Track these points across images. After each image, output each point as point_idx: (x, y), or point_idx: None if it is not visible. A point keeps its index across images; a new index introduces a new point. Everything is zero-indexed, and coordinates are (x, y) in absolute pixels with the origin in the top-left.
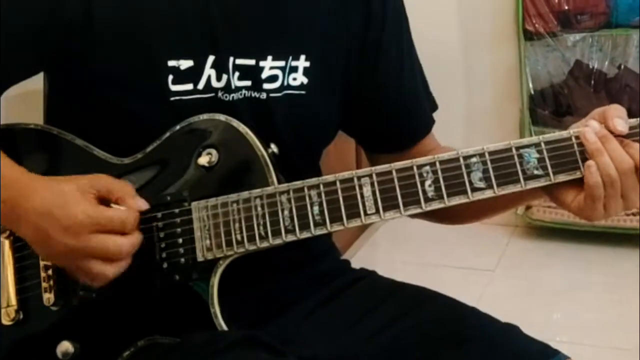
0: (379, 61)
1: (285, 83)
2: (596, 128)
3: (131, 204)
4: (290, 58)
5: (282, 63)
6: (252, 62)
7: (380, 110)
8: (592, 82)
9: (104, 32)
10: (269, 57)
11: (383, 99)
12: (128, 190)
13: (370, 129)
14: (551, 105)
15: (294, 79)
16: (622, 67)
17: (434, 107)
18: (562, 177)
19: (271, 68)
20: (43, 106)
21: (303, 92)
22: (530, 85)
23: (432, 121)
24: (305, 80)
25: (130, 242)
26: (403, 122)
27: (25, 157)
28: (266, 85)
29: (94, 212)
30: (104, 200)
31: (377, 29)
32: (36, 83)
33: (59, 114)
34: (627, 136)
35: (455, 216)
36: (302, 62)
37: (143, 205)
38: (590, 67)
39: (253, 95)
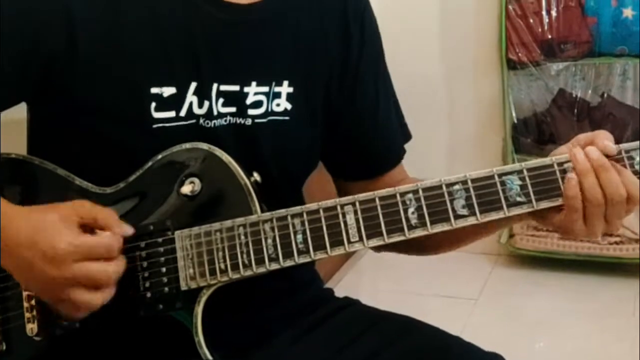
0: (357, 87)
1: (270, 109)
2: (594, 155)
3: (116, 230)
4: (274, 84)
5: (266, 89)
6: (236, 88)
7: (353, 137)
8: (576, 110)
9: (87, 60)
10: (253, 83)
11: (358, 126)
12: (112, 216)
13: (341, 154)
14: (534, 133)
15: (278, 104)
16: (605, 95)
17: (407, 137)
18: (544, 204)
19: (255, 94)
20: (27, 135)
21: (287, 117)
22: (514, 113)
23: (403, 152)
24: (288, 106)
25: (116, 268)
26: (375, 151)
27: (6, 187)
28: (251, 111)
29: (78, 241)
30: (87, 227)
31: (355, 54)
32: (19, 112)
33: (42, 143)
34: (615, 160)
35: (433, 245)
36: (285, 88)
37: (128, 230)
38: (574, 95)
39: (238, 121)
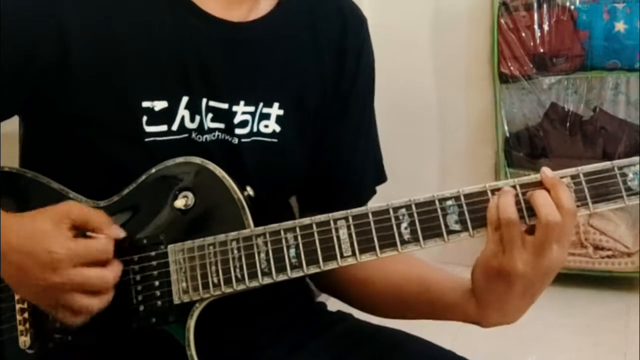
0: (342, 118)
1: (255, 129)
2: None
3: (108, 232)
4: (262, 105)
5: (252, 109)
6: (225, 105)
7: (327, 167)
8: (568, 124)
9: (79, 75)
10: (242, 102)
11: (335, 156)
12: (103, 218)
13: (311, 182)
14: (526, 147)
15: (266, 126)
16: (597, 109)
17: (382, 179)
18: (534, 219)
19: (243, 113)
20: (19, 149)
21: (275, 140)
22: (506, 127)
23: (373, 192)
24: (277, 129)
25: (112, 273)
26: (343, 185)
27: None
28: (238, 130)
29: (72, 245)
30: (80, 230)
31: (348, 85)
32: (12, 125)
33: (35, 157)
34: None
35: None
36: (275, 110)
37: (120, 233)
38: (566, 109)
39: (225, 138)
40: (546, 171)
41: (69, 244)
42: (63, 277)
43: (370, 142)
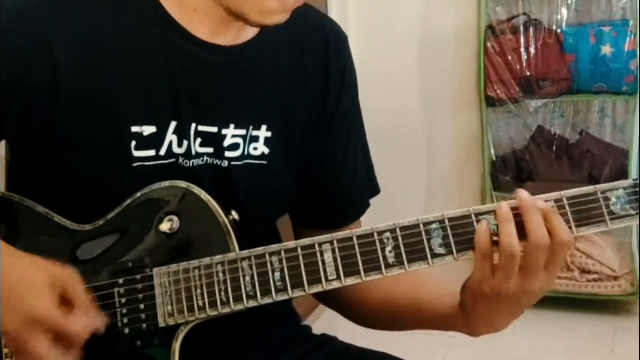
0: (330, 135)
1: (246, 152)
2: (525, 198)
3: (90, 321)
4: (252, 127)
5: (243, 132)
6: (214, 129)
7: (319, 185)
8: (554, 147)
9: (69, 98)
10: (232, 126)
11: (325, 175)
12: (92, 306)
13: (305, 201)
14: (513, 171)
15: (255, 148)
16: (584, 133)
17: (375, 191)
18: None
19: (233, 136)
20: (5, 173)
21: (264, 162)
22: (492, 151)
23: (367, 206)
24: (266, 151)
25: None
26: (337, 202)
27: None
28: (228, 154)
29: (54, 316)
30: (67, 301)
31: (334, 102)
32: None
33: (21, 180)
34: (593, 201)
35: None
36: (263, 132)
37: (100, 327)
38: (552, 133)
39: (215, 162)
40: (521, 194)
41: (51, 312)
42: (26, 336)
43: (361, 155)
